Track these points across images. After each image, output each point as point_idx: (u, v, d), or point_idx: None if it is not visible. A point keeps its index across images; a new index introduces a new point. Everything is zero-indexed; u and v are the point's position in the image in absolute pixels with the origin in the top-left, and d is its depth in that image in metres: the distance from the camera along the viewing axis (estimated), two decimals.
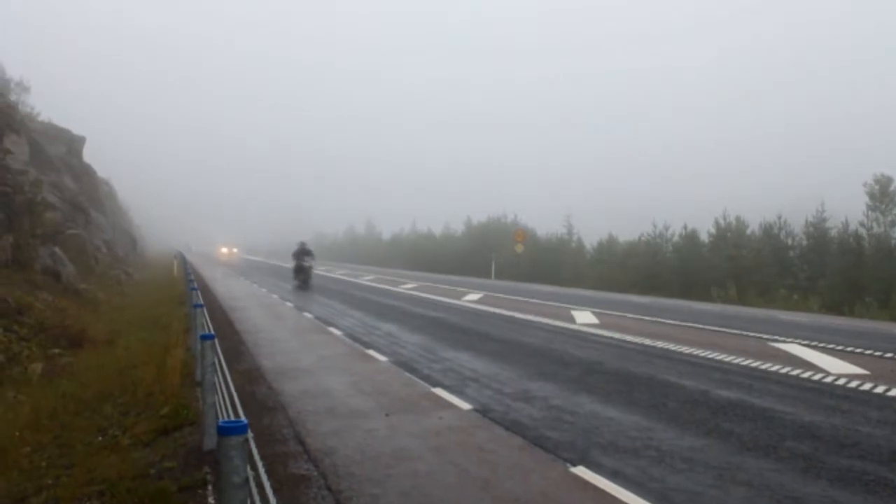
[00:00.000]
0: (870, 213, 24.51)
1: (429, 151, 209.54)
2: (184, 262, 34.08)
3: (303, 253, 25.87)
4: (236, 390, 4.73)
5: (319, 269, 43.61)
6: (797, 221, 27.96)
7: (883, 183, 24.19)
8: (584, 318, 15.60)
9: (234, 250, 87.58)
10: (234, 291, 24.03)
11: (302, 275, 25.62)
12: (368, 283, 29.13)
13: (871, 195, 24.43)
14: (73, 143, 38.55)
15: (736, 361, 9.69)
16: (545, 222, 44.58)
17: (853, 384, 8.15)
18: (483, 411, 6.88)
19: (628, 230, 36.26)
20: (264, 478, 2.58)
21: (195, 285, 14.58)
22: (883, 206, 24.16)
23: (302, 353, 10.73)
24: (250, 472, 2.57)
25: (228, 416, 4.71)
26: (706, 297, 25.47)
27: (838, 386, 8.07)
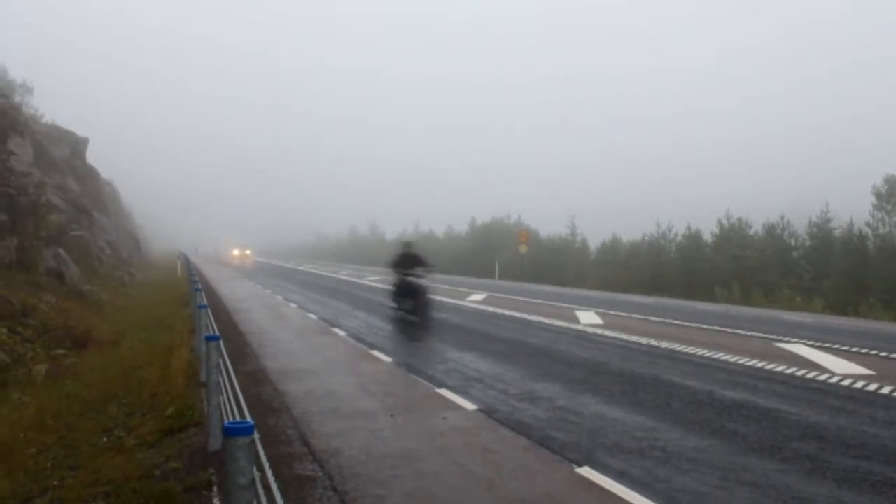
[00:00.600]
0: (875, 212, 24.44)
1: (429, 151, 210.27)
2: (187, 263, 34.13)
3: (410, 261, 14.10)
4: (241, 391, 4.74)
5: (323, 270, 43.67)
6: (798, 221, 27.96)
7: (892, 183, 24.10)
8: (588, 318, 15.58)
9: (248, 252, 73.84)
10: (237, 293, 24.06)
11: (412, 301, 13.60)
12: (372, 284, 29.14)
13: (878, 195, 24.33)
14: (76, 145, 38.66)
15: (740, 362, 9.67)
16: (547, 222, 44.65)
17: (858, 384, 8.12)
18: (488, 412, 6.87)
19: (629, 230, 36.32)
20: (272, 479, 2.58)
21: (199, 286, 14.61)
22: (889, 207, 24.07)
23: (306, 354, 10.74)
24: (256, 474, 2.57)
25: (234, 416, 4.71)
26: (710, 298, 25.43)
27: (843, 386, 8.05)
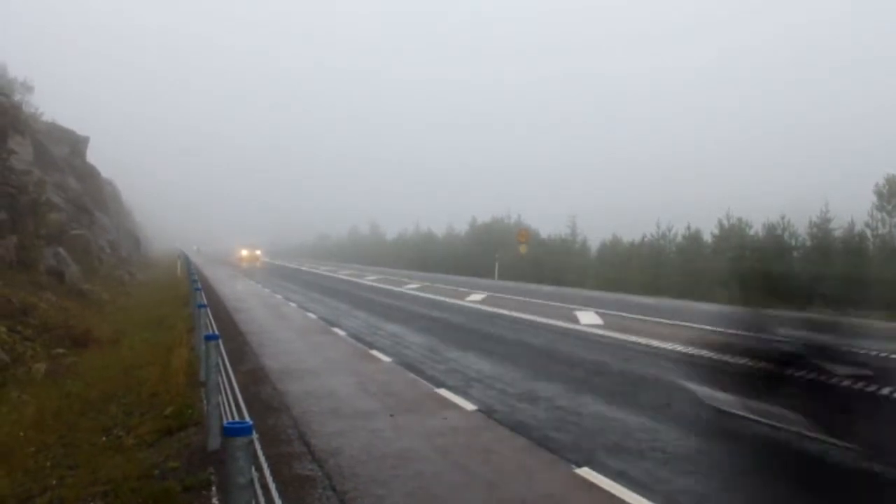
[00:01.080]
0: (875, 212, 24.41)
1: (429, 151, 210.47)
2: (187, 262, 34.13)
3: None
4: (241, 391, 4.73)
5: (323, 270, 43.67)
6: (798, 221, 27.92)
7: (893, 183, 24.06)
8: (588, 318, 15.56)
9: (258, 253, 65.57)
10: (238, 292, 24.07)
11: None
12: (372, 284, 29.14)
13: (880, 195, 24.29)
14: (76, 144, 38.66)
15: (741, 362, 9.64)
16: (547, 222, 44.57)
17: None
18: (487, 412, 6.86)
19: (629, 230, 36.25)
20: (270, 479, 2.58)
21: (199, 285, 14.61)
22: (890, 207, 24.04)
23: (306, 353, 10.73)
24: (255, 473, 2.56)
25: (233, 416, 4.70)
26: (710, 298, 25.40)
27: None
